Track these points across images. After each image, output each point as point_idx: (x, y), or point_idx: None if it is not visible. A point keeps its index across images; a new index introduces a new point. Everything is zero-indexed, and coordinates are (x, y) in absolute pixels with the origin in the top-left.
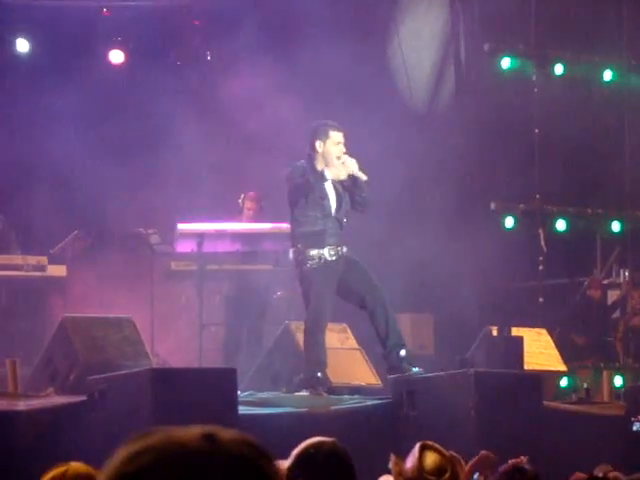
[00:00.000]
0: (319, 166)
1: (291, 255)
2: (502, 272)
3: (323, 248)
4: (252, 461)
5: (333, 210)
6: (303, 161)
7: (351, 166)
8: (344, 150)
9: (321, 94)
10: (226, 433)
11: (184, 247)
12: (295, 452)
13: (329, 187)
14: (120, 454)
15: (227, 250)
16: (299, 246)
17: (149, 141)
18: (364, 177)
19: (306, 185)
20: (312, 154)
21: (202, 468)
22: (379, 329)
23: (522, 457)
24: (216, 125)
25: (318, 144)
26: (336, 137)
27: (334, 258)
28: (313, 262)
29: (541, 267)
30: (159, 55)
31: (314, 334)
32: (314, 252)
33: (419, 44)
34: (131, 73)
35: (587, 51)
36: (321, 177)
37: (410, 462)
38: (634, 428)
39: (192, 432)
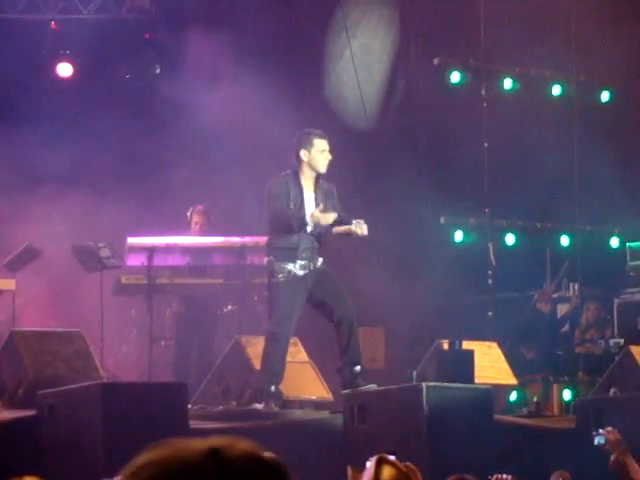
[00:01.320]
0: (303, 177)
1: (266, 265)
2: (452, 286)
3: (294, 262)
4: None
5: (309, 227)
6: (288, 171)
7: (363, 230)
8: (329, 157)
9: (265, 106)
10: (234, 448)
11: (134, 261)
12: None
13: (309, 200)
14: (126, 468)
15: (177, 264)
16: (270, 258)
17: (99, 155)
18: (363, 233)
19: (283, 217)
20: (297, 164)
21: None
22: (340, 343)
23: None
24: (166, 138)
25: (303, 153)
26: (320, 145)
27: (303, 273)
28: (281, 275)
29: (490, 281)
30: (108, 69)
31: (272, 345)
32: (284, 266)
33: (370, 59)
34: (80, 86)
35: (536, 66)
36: (301, 222)
37: (366, 477)
38: (596, 442)
39: (198, 447)
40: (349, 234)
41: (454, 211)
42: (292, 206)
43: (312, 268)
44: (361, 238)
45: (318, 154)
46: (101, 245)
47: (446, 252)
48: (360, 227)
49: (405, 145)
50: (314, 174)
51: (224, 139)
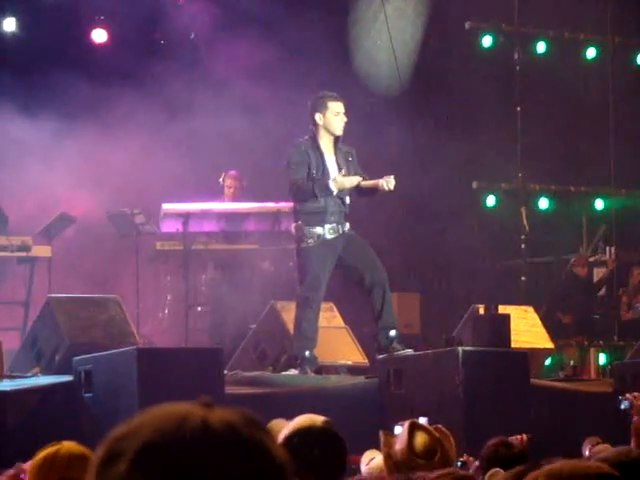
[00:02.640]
0: (321, 141)
1: (293, 230)
2: (486, 251)
3: (323, 226)
4: (248, 429)
5: (334, 190)
6: (306, 137)
7: (390, 186)
8: (345, 119)
9: (305, 71)
10: (224, 409)
11: (169, 227)
12: (286, 432)
13: (331, 164)
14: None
15: (212, 230)
16: (299, 223)
17: (132, 123)
18: (390, 188)
19: (306, 188)
20: (313, 128)
21: (199, 431)
22: (374, 308)
23: (524, 435)
24: (199, 105)
25: (318, 117)
26: (335, 107)
27: (333, 237)
28: (311, 240)
29: (523, 245)
30: (143, 35)
31: (305, 310)
32: (313, 230)
33: (404, 22)
34: (114, 53)
35: (570, 29)
36: (325, 188)
37: (399, 444)
38: (622, 406)
39: (189, 403)
40: (376, 189)
41: (486, 176)
42: (314, 172)
43: (341, 232)
44: (396, 203)
45: (333, 117)
46: (136, 211)
47: (479, 217)
48: (388, 182)
49: (438, 110)
50: (332, 137)
51: (257, 108)
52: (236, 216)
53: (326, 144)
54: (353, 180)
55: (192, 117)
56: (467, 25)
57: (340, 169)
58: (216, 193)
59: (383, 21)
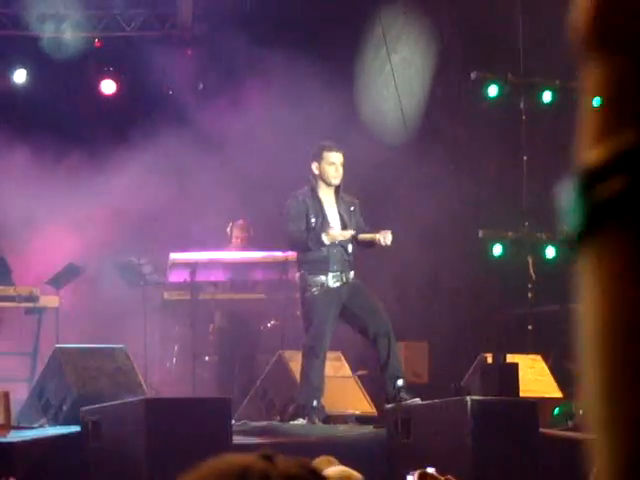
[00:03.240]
0: (320, 191)
1: (297, 280)
2: (493, 300)
3: (326, 275)
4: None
5: (325, 244)
6: (305, 187)
7: (387, 240)
8: (340, 170)
9: (311, 120)
10: (284, 457)
11: (177, 277)
12: None
13: (332, 213)
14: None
15: (219, 279)
16: (302, 272)
17: (141, 172)
18: (387, 243)
19: (300, 240)
20: (312, 178)
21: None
22: (380, 358)
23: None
24: (208, 155)
25: (314, 166)
26: (330, 157)
27: (337, 285)
28: (315, 288)
29: (530, 294)
30: (151, 85)
31: (311, 359)
32: (317, 279)
33: (411, 72)
34: (123, 103)
35: (576, 78)
36: (318, 241)
37: None
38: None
39: (250, 455)
40: (373, 243)
41: (492, 225)
42: (314, 222)
43: (345, 280)
44: (401, 254)
45: (327, 167)
46: (143, 261)
47: (485, 266)
48: (385, 236)
49: (443, 159)
50: (331, 187)
51: (261, 155)
52: (243, 266)
53: (326, 194)
54: (345, 234)
55: (198, 168)
56: (473, 75)
57: (342, 220)
58: (223, 242)
59: (389, 72)
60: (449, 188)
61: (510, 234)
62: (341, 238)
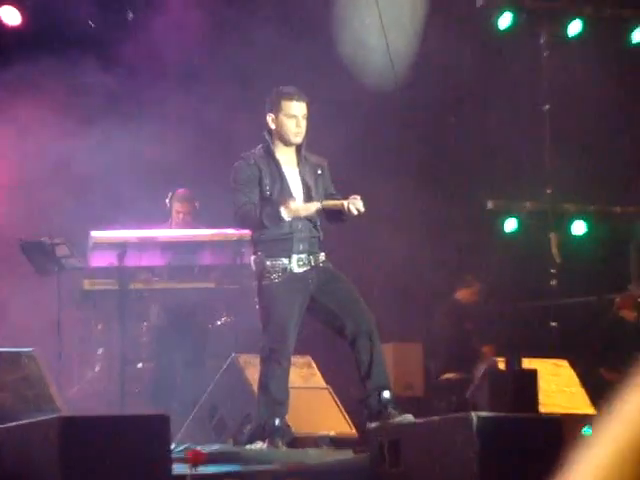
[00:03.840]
0: (277, 150)
1: (252, 265)
2: (505, 289)
3: (289, 257)
4: None
5: (286, 219)
6: (259, 147)
7: (357, 207)
8: (303, 124)
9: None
10: None
11: (100, 260)
12: None
13: (293, 179)
14: None
15: (156, 264)
16: (259, 254)
17: (54, 130)
18: (359, 210)
19: (252, 214)
20: (267, 135)
21: None
22: (360, 365)
23: None
24: (143, 102)
25: (270, 119)
26: (290, 107)
27: (303, 270)
28: (275, 275)
29: (554, 282)
30: (66, 14)
31: (272, 366)
32: (277, 262)
33: None
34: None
35: (611, 4)
36: (275, 217)
37: None
38: None
39: None
40: (340, 214)
41: (505, 193)
42: (268, 191)
43: (313, 264)
44: (389, 230)
45: (286, 120)
46: (57, 241)
47: (496, 246)
48: (354, 203)
49: (443, 109)
50: (291, 147)
51: (210, 105)
52: (187, 246)
53: (285, 154)
54: (310, 207)
55: (134, 123)
56: (480, 1)
57: (306, 187)
58: (161, 217)
59: None
60: (449, 147)
61: (527, 205)
62: (305, 214)
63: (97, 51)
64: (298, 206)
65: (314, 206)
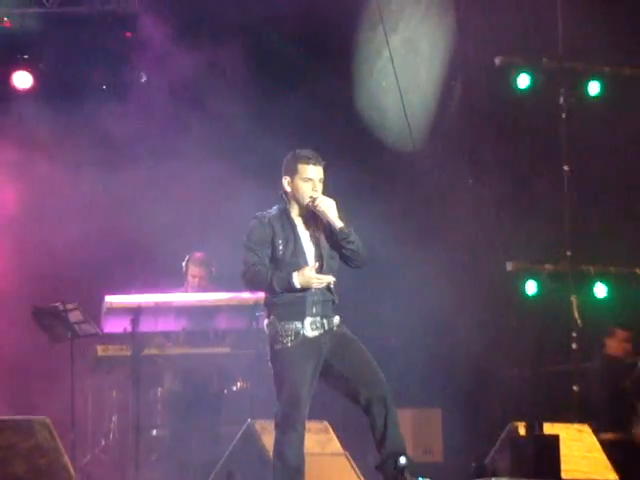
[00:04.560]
0: (293, 212)
1: (265, 328)
2: (525, 353)
3: (302, 321)
4: None
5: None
6: (275, 207)
7: (324, 208)
8: (318, 189)
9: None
10: None
11: (114, 326)
12: None
13: (305, 239)
14: None
15: (170, 329)
16: (271, 318)
17: (68, 192)
18: (338, 224)
19: (262, 277)
20: (284, 196)
21: None
22: (375, 431)
23: None
24: (157, 171)
25: (286, 182)
26: (306, 171)
27: (316, 334)
28: (288, 339)
29: (574, 345)
30: (77, 78)
31: (287, 432)
32: (290, 326)
33: (415, 59)
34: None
35: (631, 63)
36: (286, 282)
37: None
38: None
39: None
40: (348, 251)
41: (525, 255)
42: (281, 252)
43: (327, 328)
44: (406, 294)
45: (302, 183)
46: (71, 306)
47: (515, 309)
48: (320, 202)
49: (462, 170)
50: (307, 209)
51: (228, 165)
52: (202, 311)
53: (301, 216)
54: (324, 280)
55: (145, 187)
56: (498, 61)
57: (318, 250)
58: (176, 282)
59: (387, 59)
60: (467, 208)
61: (548, 267)
62: (316, 286)
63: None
64: (311, 276)
65: (328, 279)
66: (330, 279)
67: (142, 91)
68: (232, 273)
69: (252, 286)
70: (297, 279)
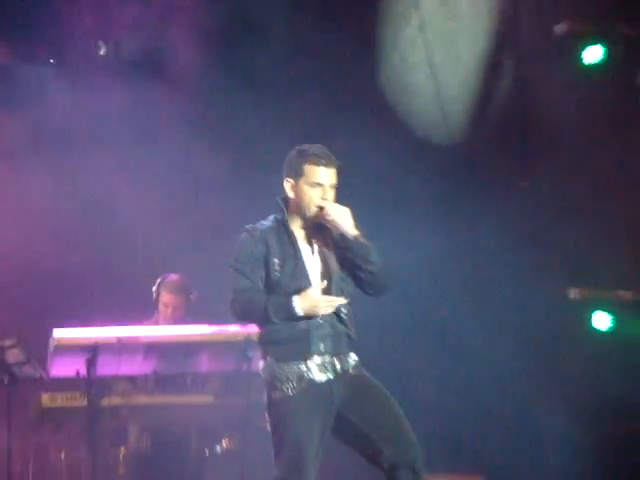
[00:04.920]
0: (292, 223)
1: (260, 371)
2: (596, 405)
3: (307, 361)
4: None
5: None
6: (271, 218)
7: (335, 216)
8: (329, 197)
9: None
10: None
11: (65, 368)
12: None
13: (308, 256)
14: None
15: (137, 372)
16: (268, 359)
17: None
18: (352, 234)
19: (255, 304)
20: (281, 202)
21: None
22: None
23: None
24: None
25: (288, 185)
26: (314, 174)
27: (326, 377)
28: (289, 385)
29: None
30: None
31: None
32: (291, 368)
33: (453, 26)
34: None
35: None
36: (284, 309)
37: None
38: None
39: None
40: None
41: (593, 280)
42: (277, 273)
43: (339, 369)
44: (439, 326)
45: (309, 189)
46: (8, 343)
47: (583, 347)
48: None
49: (509, 169)
50: (309, 220)
51: (216, 156)
52: (178, 349)
53: (302, 228)
54: (335, 301)
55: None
56: (560, 28)
57: (327, 266)
58: (145, 312)
59: (417, 27)
60: (520, 217)
61: (624, 294)
62: (326, 310)
63: None
64: (318, 298)
65: (339, 301)
66: (342, 301)
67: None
68: (216, 300)
69: (243, 317)
70: (299, 303)
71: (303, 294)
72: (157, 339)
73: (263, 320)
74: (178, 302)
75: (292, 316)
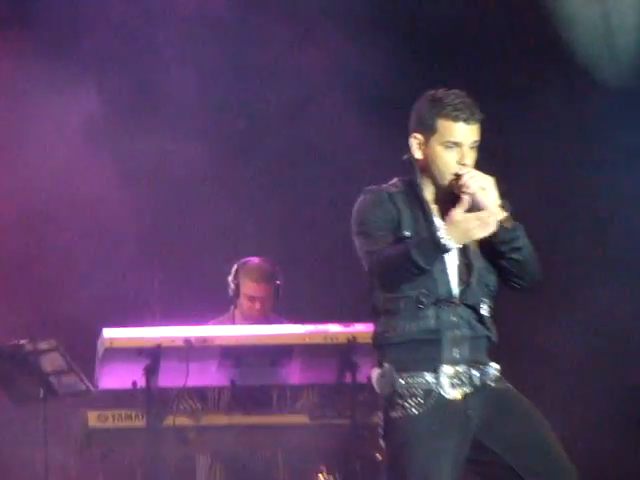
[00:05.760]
0: (425, 188)
1: (374, 382)
2: None
3: (436, 371)
4: None
5: (455, 287)
6: (395, 180)
7: (476, 190)
8: (468, 161)
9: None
10: None
11: (117, 379)
12: None
13: None
14: None
15: (210, 384)
16: (385, 366)
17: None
18: (500, 215)
19: (400, 261)
20: (409, 163)
21: None
22: None
23: None
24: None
25: (416, 142)
26: (450, 131)
27: (460, 394)
28: (413, 401)
29: None
30: None
31: None
32: (417, 380)
33: None
34: None
35: None
36: (435, 248)
37: None
38: None
39: None
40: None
41: None
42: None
43: (478, 383)
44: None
45: (442, 150)
46: (45, 346)
47: None
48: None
49: None
50: (445, 189)
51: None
52: (263, 355)
53: (439, 199)
54: (497, 216)
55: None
56: None
57: (464, 254)
58: (217, 307)
59: None
60: None
61: None
62: (490, 229)
63: None
64: (467, 219)
65: (501, 216)
66: (504, 215)
67: None
68: (310, 291)
69: (392, 275)
70: (448, 231)
71: (449, 219)
72: (236, 341)
73: (411, 271)
74: (266, 292)
75: (444, 251)
